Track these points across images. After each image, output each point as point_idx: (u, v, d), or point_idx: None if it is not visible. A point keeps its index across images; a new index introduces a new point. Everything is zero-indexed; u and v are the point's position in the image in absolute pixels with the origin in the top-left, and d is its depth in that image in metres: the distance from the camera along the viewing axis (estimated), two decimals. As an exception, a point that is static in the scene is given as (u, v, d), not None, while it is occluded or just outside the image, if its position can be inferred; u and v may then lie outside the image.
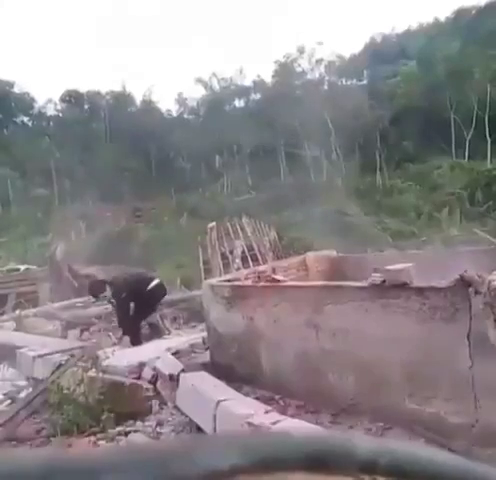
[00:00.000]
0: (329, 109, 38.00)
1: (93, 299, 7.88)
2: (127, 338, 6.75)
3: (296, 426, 3.27)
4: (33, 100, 53.58)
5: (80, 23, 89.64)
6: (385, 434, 3.57)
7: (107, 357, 4.97)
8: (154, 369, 5.16)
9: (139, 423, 4.48)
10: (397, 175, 36.13)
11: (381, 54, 49.48)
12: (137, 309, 6.83)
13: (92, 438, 4.17)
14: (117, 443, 4.10)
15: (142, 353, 5.81)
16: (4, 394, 5.57)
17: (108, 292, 6.77)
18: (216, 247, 14.14)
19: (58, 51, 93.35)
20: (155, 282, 7.12)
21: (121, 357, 5.45)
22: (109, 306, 10.23)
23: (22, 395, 5.38)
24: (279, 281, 4.89)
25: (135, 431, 4.34)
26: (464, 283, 3.19)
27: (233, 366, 5.01)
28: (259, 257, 14.10)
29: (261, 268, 6.58)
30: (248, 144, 44.83)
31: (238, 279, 5.50)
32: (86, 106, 54.46)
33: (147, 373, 5.18)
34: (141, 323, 6.98)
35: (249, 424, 3.37)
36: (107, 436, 4.19)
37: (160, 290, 7.23)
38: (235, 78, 53.18)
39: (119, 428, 4.36)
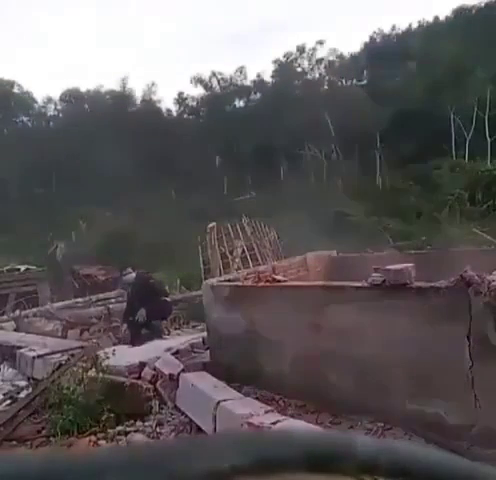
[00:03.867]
0: (329, 109, 38.00)
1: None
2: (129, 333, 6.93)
3: (296, 426, 3.27)
4: (33, 100, 53.52)
5: (80, 22, 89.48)
6: (385, 434, 3.57)
7: (107, 357, 4.97)
8: (154, 369, 5.16)
9: (139, 423, 4.48)
10: (397, 175, 36.11)
11: (381, 54, 49.39)
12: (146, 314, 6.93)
13: (92, 438, 4.17)
14: (117, 443, 4.10)
15: (142, 353, 5.81)
16: (4, 394, 5.57)
17: (132, 275, 6.92)
18: (216, 247, 14.13)
19: (58, 50, 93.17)
20: (169, 298, 7.88)
21: (121, 357, 5.44)
22: (109, 306, 10.24)
23: (22, 395, 5.38)
24: (279, 281, 4.89)
25: (135, 431, 4.35)
26: (464, 283, 3.19)
27: (233, 366, 5.01)
28: (259, 257, 14.10)
29: (261, 268, 6.58)
30: (248, 144, 44.78)
31: (238, 279, 5.50)
32: (86, 106, 54.42)
33: (147, 373, 5.18)
34: (142, 327, 7.01)
35: (249, 424, 3.37)
36: (107, 436, 4.19)
37: (170, 306, 7.76)
38: (235, 78, 53.10)
39: (119, 428, 4.36)
